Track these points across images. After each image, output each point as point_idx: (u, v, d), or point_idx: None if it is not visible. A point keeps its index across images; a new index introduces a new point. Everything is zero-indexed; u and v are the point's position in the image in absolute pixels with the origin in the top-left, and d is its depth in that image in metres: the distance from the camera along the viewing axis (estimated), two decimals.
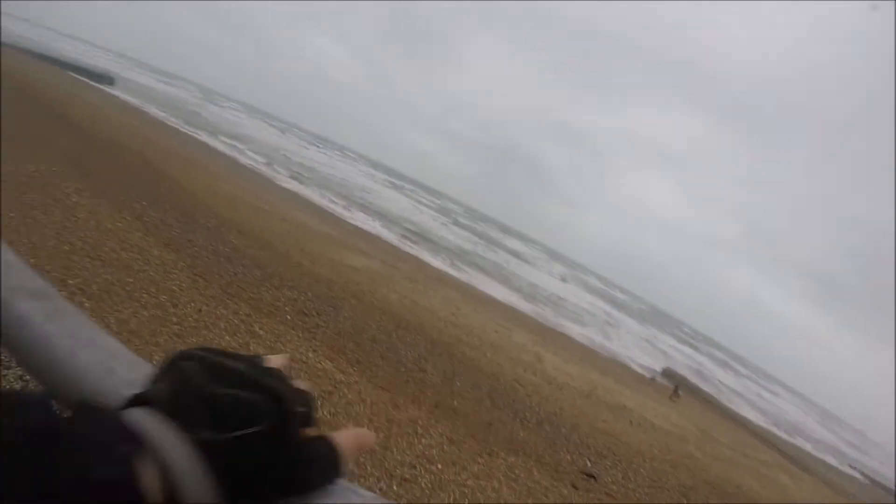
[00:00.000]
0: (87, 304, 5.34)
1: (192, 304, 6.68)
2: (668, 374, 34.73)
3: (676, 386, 27.33)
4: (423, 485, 5.28)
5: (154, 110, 43.21)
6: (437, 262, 32.06)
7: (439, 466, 5.81)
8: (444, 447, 6.41)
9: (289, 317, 8.20)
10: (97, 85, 44.92)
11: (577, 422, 10.29)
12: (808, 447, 38.06)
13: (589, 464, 8.32)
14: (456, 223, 75.95)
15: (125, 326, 5.35)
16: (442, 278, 25.07)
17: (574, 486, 7.06)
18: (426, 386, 8.44)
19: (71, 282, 5.65)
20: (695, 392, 31.67)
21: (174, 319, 6.06)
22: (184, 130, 38.22)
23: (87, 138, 14.39)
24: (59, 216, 7.27)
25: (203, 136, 40.30)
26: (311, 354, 7.25)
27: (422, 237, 42.69)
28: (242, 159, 37.40)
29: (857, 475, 42.69)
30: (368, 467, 5.15)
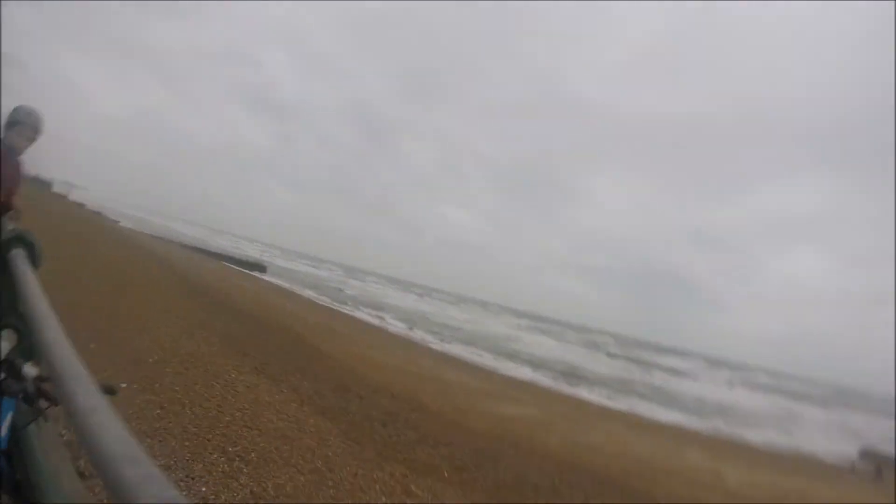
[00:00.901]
0: (245, 470, 5.59)
1: (348, 469, 6.80)
2: (867, 455, 30.19)
3: (878, 465, 23.83)
4: None
5: (303, 291, 46.89)
6: (594, 397, 31.03)
7: None
8: None
9: (446, 473, 8.11)
10: (251, 273, 49.59)
11: None
12: None
13: None
14: (608, 354, 73.69)
15: (282, 491, 5.51)
16: (602, 413, 24.17)
17: None
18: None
19: (231, 449, 5.95)
20: None
21: (330, 483, 6.18)
22: (331, 306, 40.90)
23: (243, 319, 15.69)
24: (220, 390, 7.81)
25: (348, 309, 42.96)
26: None
27: (574, 375, 41.72)
28: (387, 327, 39.17)
29: None
30: None
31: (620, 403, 31.58)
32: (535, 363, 42.85)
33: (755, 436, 30.34)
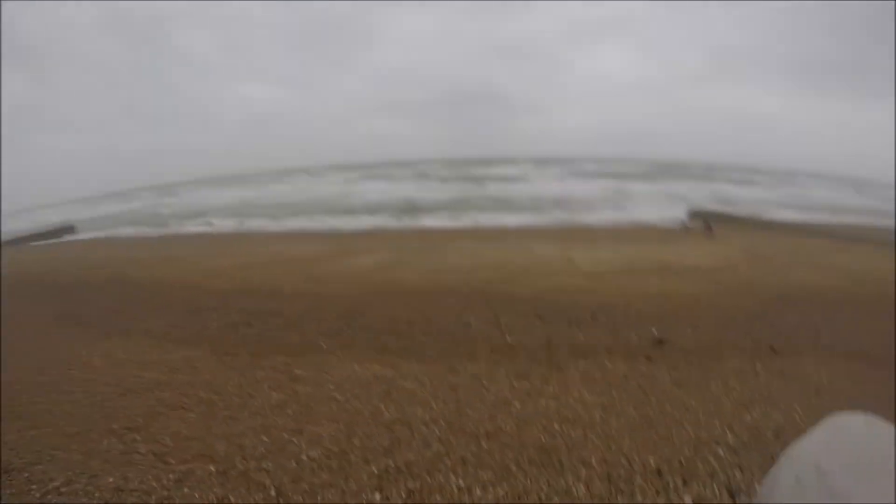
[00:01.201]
0: (139, 438, 5.54)
1: (231, 384, 6.86)
2: (694, 215, 34.18)
3: (706, 222, 27.06)
4: (507, 429, 5.20)
5: (122, 230, 43.41)
6: (438, 223, 32.07)
7: (517, 405, 5.74)
8: (514, 384, 6.34)
9: (323, 345, 8.36)
10: (61, 240, 44.95)
11: (628, 300, 10.22)
12: (854, 220, 37.60)
13: (655, 332, 8.24)
14: (440, 179, 75.13)
15: (181, 438, 5.46)
16: (449, 235, 25.05)
17: (649, 358, 6.98)
18: (474, 338, 8.41)
19: (115, 427, 5.82)
20: (727, 220, 31.13)
21: (221, 406, 6.20)
22: (156, 233, 38.38)
23: (68, 291, 14.48)
24: (78, 373, 7.31)
25: (174, 230, 40.50)
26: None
27: (413, 209, 42.60)
28: (219, 229, 37.70)
29: None
30: (453, 440, 5.09)
31: (464, 221, 32.97)
32: (373, 209, 43.19)
33: (593, 218, 33.10)
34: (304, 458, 4.95)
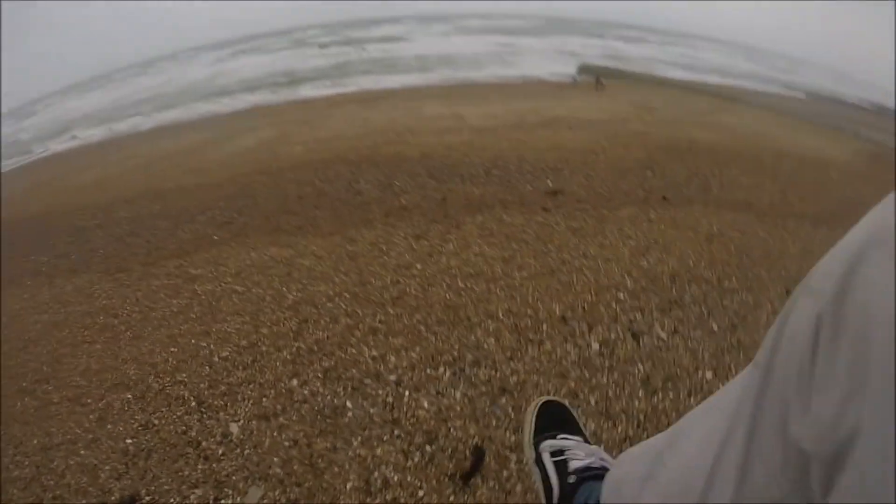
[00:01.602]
0: (49, 388, 4.84)
1: (128, 301, 6.46)
2: (585, 70, 34.41)
3: (597, 77, 27.29)
4: (412, 292, 5.14)
5: None
6: (319, 92, 30.76)
7: (418, 267, 5.67)
8: (413, 246, 6.26)
9: (215, 237, 8.14)
10: None
11: (520, 153, 10.16)
12: (743, 84, 38.99)
13: (550, 183, 8.28)
14: (320, 46, 71.55)
15: (90, 373, 5.13)
16: (332, 102, 24.14)
17: (545, 209, 7.01)
18: (368, 204, 8.15)
19: (25, 385, 5.11)
20: (618, 76, 31.55)
21: (124, 328, 5.82)
22: (16, 165, 34.62)
23: None
24: None
25: (37, 155, 36.64)
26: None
27: (293, 80, 40.62)
28: (87, 141, 34.63)
29: (800, 94, 44.48)
30: (359, 311, 4.99)
31: (347, 87, 31.74)
32: (251, 86, 40.83)
33: (482, 75, 32.55)
34: (216, 359, 4.71)
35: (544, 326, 4.14)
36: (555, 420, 2.32)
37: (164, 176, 13.62)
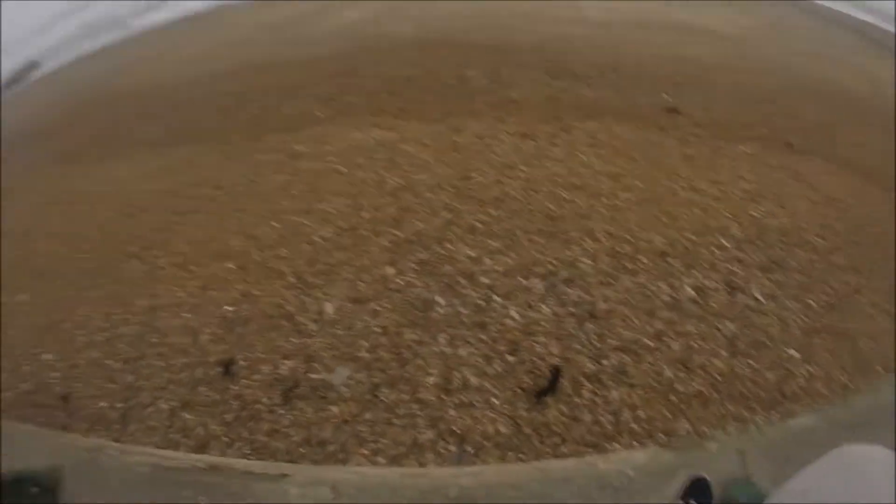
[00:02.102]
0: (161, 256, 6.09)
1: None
2: None
3: None
4: (514, 194, 5.20)
5: None
6: None
7: (523, 169, 5.67)
8: (520, 145, 6.22)
9: None
10: None
11: (640, 58, 9.55)
12: None
13: (667, 98, 7.86)
14: None
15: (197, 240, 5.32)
16: None
17: (660, 128, 6.75)
18: (476, 93, 8.04)
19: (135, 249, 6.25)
20: None
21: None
22: None
23: None
24: None
25: None
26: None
27: None
28: None
29: None
30: (460, 206, 5.09)
31: None
32: None
33: None
34: (316, 238, 4.98)
35: (642, 258, 4.17)
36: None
37: (267, 48, 13.56)
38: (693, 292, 3.83)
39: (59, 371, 5.10)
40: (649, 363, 3.26)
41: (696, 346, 3.42)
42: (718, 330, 3.55)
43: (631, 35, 11.66)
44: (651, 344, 3.37)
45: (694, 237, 4.46)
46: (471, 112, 7.33)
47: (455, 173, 5.67)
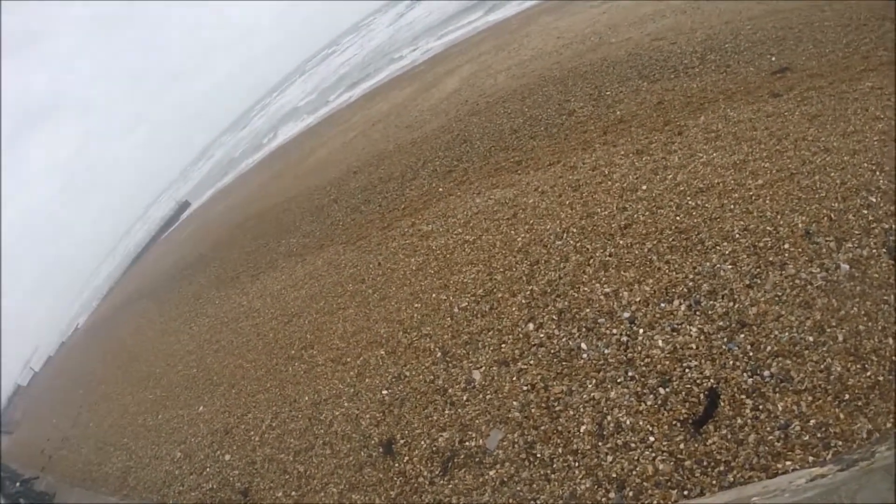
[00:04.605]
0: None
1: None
2: None
3: None
4: (640, 218, 5.14)
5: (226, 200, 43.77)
6: (507, 13, 29.84)
7: (644, 188, 5.60)
8: (636, 164, 6.16)
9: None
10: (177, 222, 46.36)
11: (734, 27, 9.04)
12: None
13: (773, 59, 7.40)
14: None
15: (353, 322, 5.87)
16: (523, 18, 23.33)
17: (774, 94, 6.33)
18: (583, 123, 8.12)
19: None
20: None
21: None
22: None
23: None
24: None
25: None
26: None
27: (474, 8, 40.07)
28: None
29: None
30: (588, 246, 5.14)
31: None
32: (437, 30, 41.07)
33: None
34: (456, 310, 5.32)
35: (786, 245, 3.91)
36: None
37: (382, 138, 14.65)
38: (849, 267, 3.49)
39: (237, 469, 5.86)
40: (814, 362, 3.02)
41: (863, 328, 3.09)
42: (886, 303, 3.19)
43: (719, 5, 11.16)
44: (812, 339, 3.14)
45: (838, 204, 4.08)
46: (583, 144, 7.38)
47: (578, 213, 5.74)
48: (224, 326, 9.27)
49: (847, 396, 2.84)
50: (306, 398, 5.69)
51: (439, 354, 4.85)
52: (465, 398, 4.20)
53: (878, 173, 4.29)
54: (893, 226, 3.71)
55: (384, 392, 4.90)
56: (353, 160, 14.14)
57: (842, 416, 2.78)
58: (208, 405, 7.18)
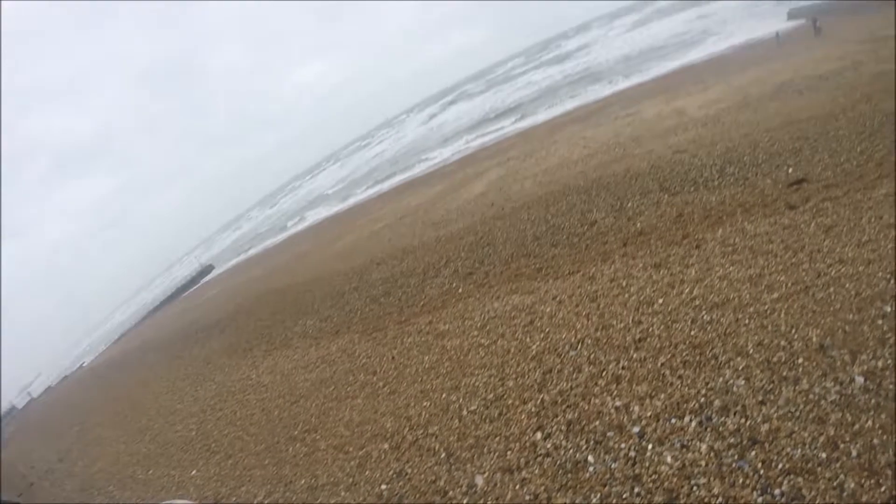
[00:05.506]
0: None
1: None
2: (795, 15, 29.79)
3: (815, 20, 23.58)
4: (655, 332, 5.07)
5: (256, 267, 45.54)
6: (534, 121, 31.01)
7: (660, 302, 5.55)
8: (653, 277, 6.15)
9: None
10: (199, 285, 48.13)
11: (752, 139, 9.36)
12: None
13: (790, 170, 7.50)
14: (521, 76, 71.49)
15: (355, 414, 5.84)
16: (552, 125, 24.21)
17: (791, 206, 6.37)
18: (604, 234, 8.23)
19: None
20: (831, 11, 26.20)
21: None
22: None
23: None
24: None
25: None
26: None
27: (509, 111, 41.72)
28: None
29: None
30: (602, 358, 5.06)
31: (563, 106, 31.62)
32: (468, 131, 42.97)
33: (693, 57, 30.29)
34: (464, 413, 5.23)
35: (800, 360, 3.80)
36: None
37: (408, 233, 14.99)
38: (864, 380, 3.34)
39: None
40: (827, 479, 2.86)
41: (878, 442, 2.91)
42: None
43: (738, 117, 11.46)
44: (825, 456, 2.99)
45: (853, 316, 3.99)
46: (603, 255, 7.42)
47: (594, 324, 5.69)
48: (230, 395, 9.22)
49: None
50: (303, 481, 5.51)
51: (443, 455, 4.72)
52: (465, 502, 4.04)
53: (892, 281, 4.26)
54: None
55: (383, 486, 4.74)
56: (377, 251, 14.44)
57: None
58: (202, 471, 6.99)
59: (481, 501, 3.99)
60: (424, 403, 5.75)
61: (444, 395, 5.71)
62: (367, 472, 5.07)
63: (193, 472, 7.12)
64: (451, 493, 4.22)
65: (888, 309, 3.95)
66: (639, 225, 7.97)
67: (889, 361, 3.46)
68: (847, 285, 4.45)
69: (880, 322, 3.85)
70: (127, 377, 18.23)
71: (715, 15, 45.84)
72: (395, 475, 4.81)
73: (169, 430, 9.32)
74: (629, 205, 8.84)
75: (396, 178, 38.41)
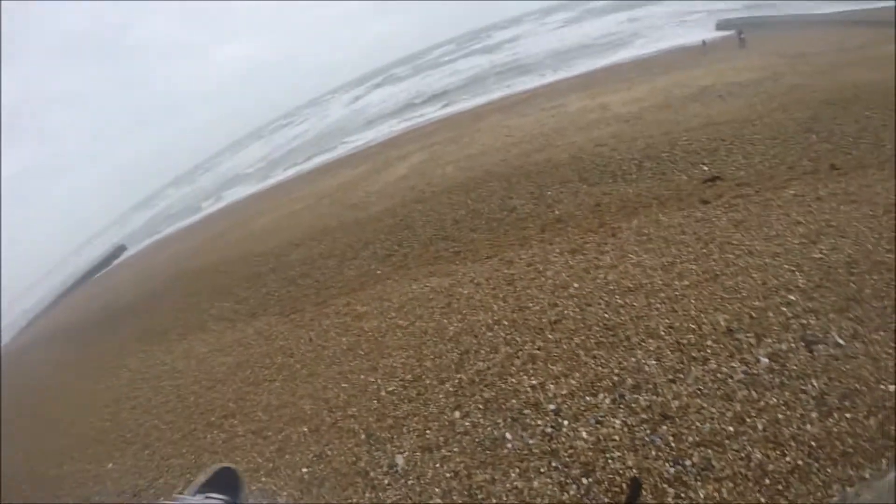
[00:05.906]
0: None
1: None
2: (723, 26, 31.53)
3: (740, 31, 24.90)
4: (570, 314, 5.11)
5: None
6: (461, 107, 31.24)
7: (575, 286, 5.61)
8: (570, 262, 6.21)
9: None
10: (109, 268, 45.99)
11: (672, 137, 9.65)
12: None
13: (706, 168, 7.78)
14: (449, 62, 71.92)
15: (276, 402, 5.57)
16: (476, 114, 24.42)
17: (704, 202, 6.58)
18: (523, 220, 8.28)
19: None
20: (758, 26, 27.97)
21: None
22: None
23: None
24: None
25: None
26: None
27: (433, 98, 41.86)
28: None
29: None
30: (518, 338, 5.06)
31: (488, 97, 31.99)
32: (393, 114, 42.70)
33: (618, 57, 31.18)
34: (383, 393, 5.11)
35: (708, 342, 3.91)
36: None
37: (327, 214, 14.71)
38: (769, 361, 3.49)
39: None
40: (734, 450, 2.96)
41: (782, 417, 3.04)
42: (804, 392, 3.19)
43: (659, 117, 11.81)
44: (733, 429, 3.09)
45: (759, 303, 4.16)
46: (521, 240, 7.45)
47: (510, 306, 5.68)
48: (144, 383, 8.69)
49: (767, 481, 2.75)
50: None
51: (363, 436, 4.59)
52: (386, 482, 3.93)
53: (797, 273, 4.45)
54: (811, 320, 3.80)
55: (304, 470, 4.55)
56: (296, 232, 14.06)
57: (763, 500, 2.69)
58: (118, 463, 6.54)
59: (402, 480, 3.89)
60: (343, 385, 5.58)
61: (362, 377, 5.56)
62: (286, 457, 4.85)
63: (110, 465, 6.64)
64: (371, 473, 4.09)
65: (792, 297, 4.12)
66: (557, 212, 8.04)
67: (792, 345, 3.60)
68: (754, 275, 4.61)
69: (785, 309, 4.00)
70: (35, 368, 17.00)
71: (646, 19, 47.45)
72: (315, 458, 4.62)
73: (82, 422, 8.69)
74: (549, 193, 8.92)
75: (317, 158, 37.84)
